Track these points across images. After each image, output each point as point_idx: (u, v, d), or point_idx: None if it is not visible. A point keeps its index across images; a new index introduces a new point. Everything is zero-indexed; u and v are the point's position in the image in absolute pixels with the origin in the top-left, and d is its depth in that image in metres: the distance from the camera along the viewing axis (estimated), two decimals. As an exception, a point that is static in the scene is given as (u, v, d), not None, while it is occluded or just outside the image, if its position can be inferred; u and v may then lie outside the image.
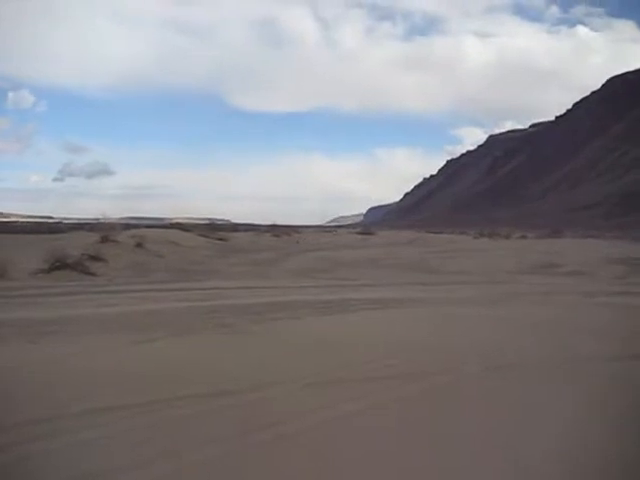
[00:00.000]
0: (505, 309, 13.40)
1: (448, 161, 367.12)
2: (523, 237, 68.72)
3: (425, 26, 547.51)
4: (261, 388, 6.33)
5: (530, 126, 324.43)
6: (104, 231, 30.60)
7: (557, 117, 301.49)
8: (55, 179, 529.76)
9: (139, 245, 29.38)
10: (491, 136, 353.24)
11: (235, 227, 70.16)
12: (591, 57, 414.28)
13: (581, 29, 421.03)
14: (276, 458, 4.59)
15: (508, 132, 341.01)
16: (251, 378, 6.72)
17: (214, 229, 46.29)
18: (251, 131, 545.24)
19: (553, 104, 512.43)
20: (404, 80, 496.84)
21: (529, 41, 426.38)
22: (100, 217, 41.14)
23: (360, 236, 59.84)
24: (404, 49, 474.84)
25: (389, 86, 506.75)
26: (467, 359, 7.97)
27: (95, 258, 25.23)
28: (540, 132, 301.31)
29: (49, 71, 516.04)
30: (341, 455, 4.68)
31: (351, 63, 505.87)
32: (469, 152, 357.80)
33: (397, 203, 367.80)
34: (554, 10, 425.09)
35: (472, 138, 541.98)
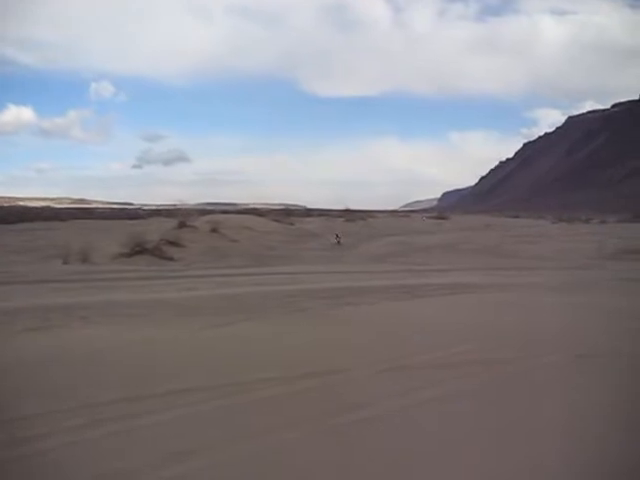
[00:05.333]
0: (584, 296, 12.93)
1: (525, 144, 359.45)
2: (603, 222, 66.89)
3: (498, 6, 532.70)
4: (338, 372, 6.29)
5: (612, 106, 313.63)
6: (181, 217, 31.29)
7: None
8: (134, 166, 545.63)
9: (215, 230, 29.86)
10: (570, 117, 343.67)
11: (308, 212, 70.69)
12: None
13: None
14: (356, 441, 4.56)
15: (587, 113, 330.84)
16: (328, 362, 6.69)
17: (288, 214, 46.76)
18: (324, 116, 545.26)
19: (636, 82, 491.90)
20: (477, 62, 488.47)
21: (609, 17, 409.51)
22: (177, 203, 42.27)
23: (434, 220, 59.39)
24: (477, 30, 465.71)
25: (462, 68, 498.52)
26: (545, 347, 7.74)
27: (173, 243, 25.81)
28: (622, 112, 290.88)
29: (128, 62, 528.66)
30: (420, 441, 4.61)
31: (423, 46, 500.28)
32: (546, 134, 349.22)
33: (472, 187, 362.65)
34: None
35: (549, 120, 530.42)
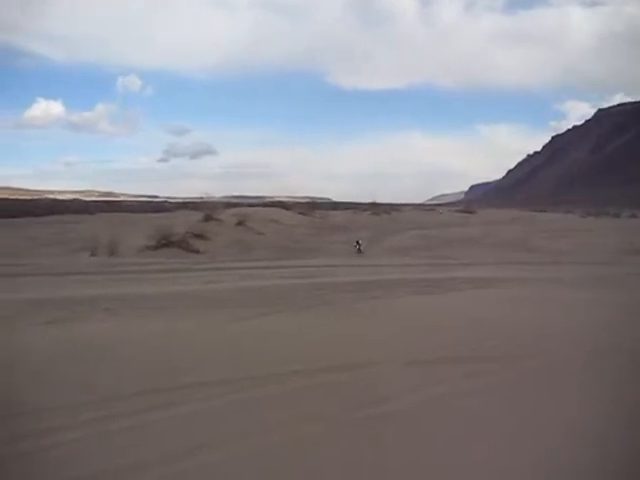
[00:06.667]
0: (606, 292, 12.75)
1: (553, 137, 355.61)
2: (633, 216, 65.91)
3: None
4: (363, 366, 6.27)
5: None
6: (207, 210, 31.40)
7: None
8: (160, 160, 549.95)
9: (241, 223, 29.95)
10: (599, 110, 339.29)
11: (335, 205, 70.62)
12: None
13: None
14: (372, 437, 4.53)
15: (617, 106, 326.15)
16: (353, 356, 6.68)
17: (313, 207, 46.69)
18: (350, 109, 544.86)
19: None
20: (505, 54, 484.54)
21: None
22: (203, 196, 42.47)
23: (461, 214, 59.01)
24: (505, 22, 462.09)
25: (490, 61, 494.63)
26: (565, 342, 7.66)
27: (199, 236, 25.96)
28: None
29: (154, 56, 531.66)
30: (446, 434, 4.57)
31: (450, 38, 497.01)
32: (575, 127, 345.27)
33: (499, 181, 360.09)
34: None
35: (578, 113, 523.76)
